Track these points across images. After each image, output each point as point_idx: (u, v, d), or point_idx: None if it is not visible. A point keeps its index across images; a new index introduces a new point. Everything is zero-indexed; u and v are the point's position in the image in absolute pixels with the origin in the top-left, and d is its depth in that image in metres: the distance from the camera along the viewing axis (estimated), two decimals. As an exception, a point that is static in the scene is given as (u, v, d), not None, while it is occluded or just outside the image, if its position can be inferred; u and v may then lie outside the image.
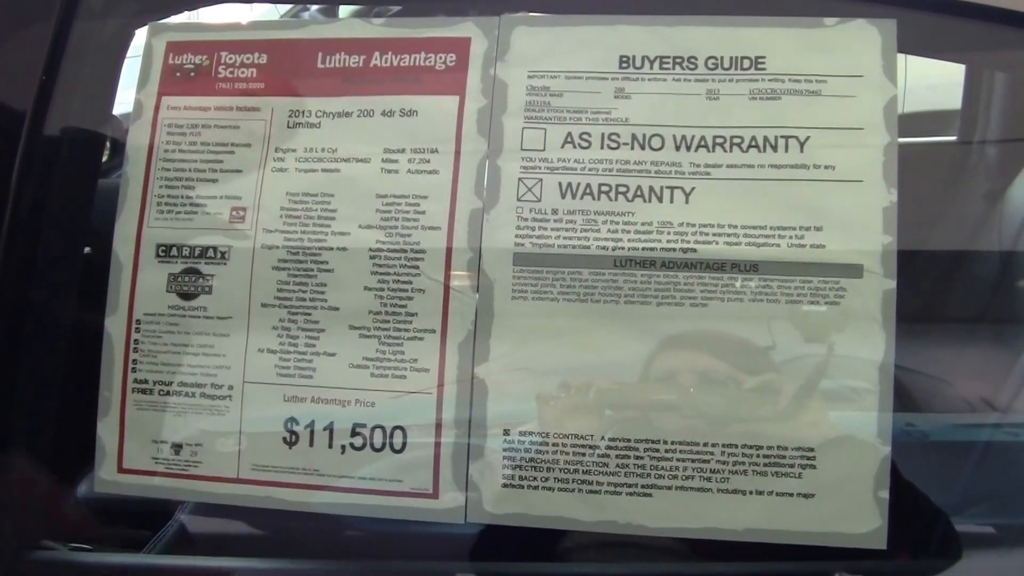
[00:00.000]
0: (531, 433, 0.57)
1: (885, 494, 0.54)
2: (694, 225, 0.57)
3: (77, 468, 0.66)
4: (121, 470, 0.62)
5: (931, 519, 0.60)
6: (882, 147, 0.56)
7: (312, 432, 0.60)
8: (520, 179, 0.59)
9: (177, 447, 0.61)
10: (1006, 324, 0.72)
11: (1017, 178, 0.77)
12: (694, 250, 0.57)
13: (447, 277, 0.59)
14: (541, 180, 0.59)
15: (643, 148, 0.58)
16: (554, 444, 0.57)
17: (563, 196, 0.58)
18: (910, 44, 0.59)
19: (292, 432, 0.60)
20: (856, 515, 0.54)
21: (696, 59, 0.59)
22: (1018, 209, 0.75)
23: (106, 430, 0.62)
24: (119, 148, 0.66)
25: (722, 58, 0.59)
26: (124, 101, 0.68)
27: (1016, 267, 0.75)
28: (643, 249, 0.57)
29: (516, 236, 0.58)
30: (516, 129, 0.59)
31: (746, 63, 0.58)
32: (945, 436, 0.65)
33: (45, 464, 0.66)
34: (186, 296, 0.62)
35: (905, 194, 0.55)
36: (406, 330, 0.59)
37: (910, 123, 0.57)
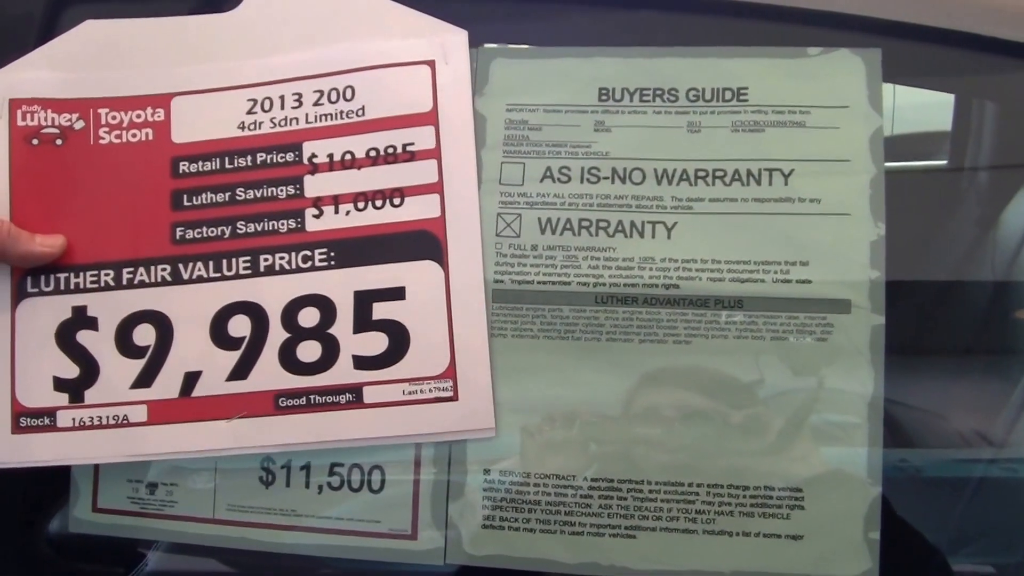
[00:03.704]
0: (512, 472, 0.56)
1: (876, 535, 0.53)
2: (676, 260, 0.56)
3: (48, 506, 0.64)
4: (96, 509, 0.61)
5: (925, 558, 0.59)
6: (869, 179, 0.55)
7: (289, 472, 0.58)
8: (499, 214, 0.58)
9: (152, 486, 0.60)
10: (1001, 356, 0.71)
11: (1009, 206, 0.76)
12: (677, 286, 0.56)
13: None
14: (520, 215, 0.58)
15: (624, 182, 0.57)
16: (535, 484, 0.56)
17: (543, 231, 0.57)
18: (896, 73, 0.59)
19: (269, 471, 0.59)
20: (846, 557, 0.53)
21: (677, 91, 0.58)
22: (1011, 237, 0.75)
23: (81, 469, 0.61)
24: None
25: (703, 90, 0.58)
26: None
27: (1010, 297, 0.74)
28: (625, 285, 0.56)
29: (495, 272, 0.57)
30: (495, 163, 0.58)
31: (728, 95, 0.57)
32: (939, 472, 0.64)
33: (14, 502, 0.65)
34: None
35: (892, 221, 0.55)
36: None
37: (896, 146, 0.56)
